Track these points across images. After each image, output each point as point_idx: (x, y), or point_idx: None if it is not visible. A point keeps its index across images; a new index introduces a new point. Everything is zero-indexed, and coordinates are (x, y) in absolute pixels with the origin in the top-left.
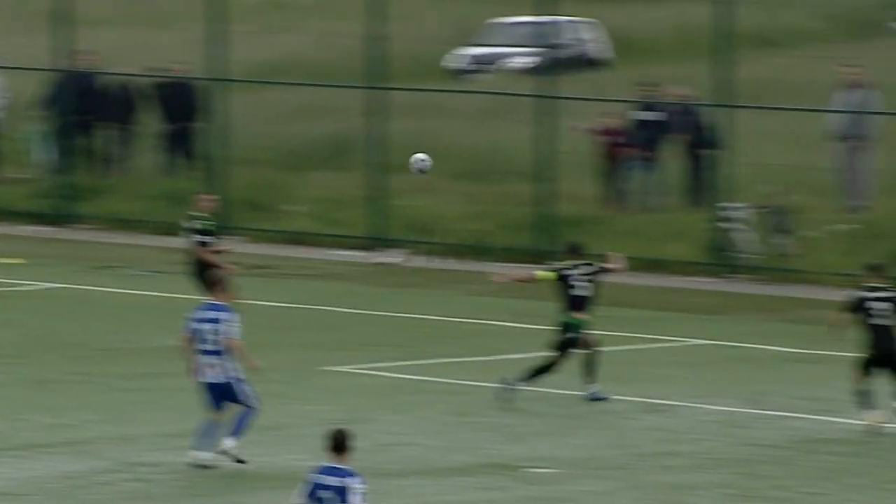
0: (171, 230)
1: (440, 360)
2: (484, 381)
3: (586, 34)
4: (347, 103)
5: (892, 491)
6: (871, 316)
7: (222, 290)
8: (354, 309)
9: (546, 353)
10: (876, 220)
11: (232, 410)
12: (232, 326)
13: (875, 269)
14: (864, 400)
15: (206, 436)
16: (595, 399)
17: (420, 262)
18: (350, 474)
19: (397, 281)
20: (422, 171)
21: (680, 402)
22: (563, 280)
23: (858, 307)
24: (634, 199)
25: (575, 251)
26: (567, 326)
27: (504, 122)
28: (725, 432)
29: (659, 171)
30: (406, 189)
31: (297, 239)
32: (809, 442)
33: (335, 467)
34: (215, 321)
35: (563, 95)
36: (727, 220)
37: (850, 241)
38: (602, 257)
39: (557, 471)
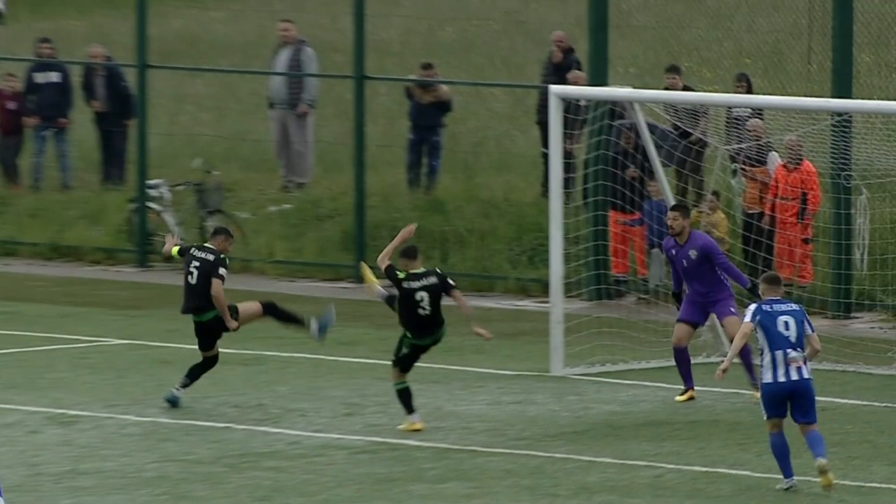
0: None
1: None
2: None
3: None
4: None
5: None
6: (419, 307)
7: None
8: None
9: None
10: (315, 199)
11: None
12: None
13: (408, 254)
14: (406, 401)
15: None
16: (170, 401)
17: None
18: None
19: None
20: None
21: (93, 412)
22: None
23: (404, 295)
24: (39, 176)
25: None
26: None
27: None
28: (148, 446)
29: (68, 142)
30: None
31: None
32: (243, 456)
33: None
34: None
35: None
36: (149, 199)
37: (287, 224)
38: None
39: None
